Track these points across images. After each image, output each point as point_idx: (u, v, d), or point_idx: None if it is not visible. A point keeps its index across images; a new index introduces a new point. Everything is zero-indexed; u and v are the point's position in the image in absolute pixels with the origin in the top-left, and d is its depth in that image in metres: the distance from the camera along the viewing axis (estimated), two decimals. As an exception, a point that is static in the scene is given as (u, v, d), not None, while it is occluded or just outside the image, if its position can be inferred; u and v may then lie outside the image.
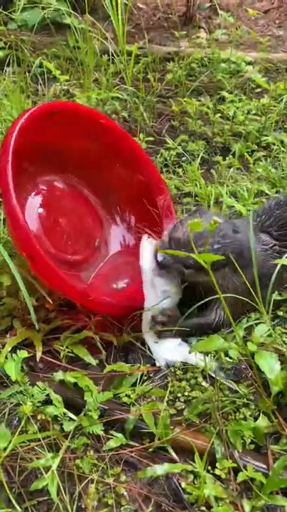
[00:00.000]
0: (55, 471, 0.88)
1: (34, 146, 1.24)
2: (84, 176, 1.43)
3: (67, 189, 1.41)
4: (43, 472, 0.88)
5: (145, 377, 1.09)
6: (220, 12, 2.52)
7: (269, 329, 0.95)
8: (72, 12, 2.32)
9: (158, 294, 1.12)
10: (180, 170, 1.74)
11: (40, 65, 2.16)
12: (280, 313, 1.23)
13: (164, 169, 1.76)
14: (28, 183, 1.31)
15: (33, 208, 1.29)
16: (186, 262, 1.04)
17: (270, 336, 1.03)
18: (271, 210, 1.27)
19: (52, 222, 1.31)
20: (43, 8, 2.28)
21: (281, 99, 2.01)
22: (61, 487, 0.88)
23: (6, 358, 1.02)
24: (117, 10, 2.09)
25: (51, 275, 1.06)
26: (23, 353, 0.98)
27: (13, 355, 0.99)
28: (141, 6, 3.17)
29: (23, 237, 1.04)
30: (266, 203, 1.37)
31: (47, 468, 0.89)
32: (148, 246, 1.13)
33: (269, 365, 0.88)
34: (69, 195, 1.40)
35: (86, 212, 1.42)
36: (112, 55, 2.18)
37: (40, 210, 1.30)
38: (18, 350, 1.03)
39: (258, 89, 2.23)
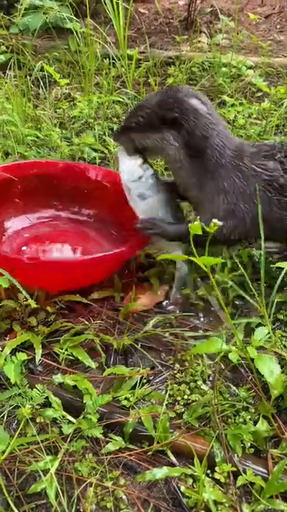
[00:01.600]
0: (54, 474, 0.88)
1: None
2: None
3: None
4: (42, 475, 0.88)
5: (144, 381, 1.09)
6: (221, 17, 2.53)
7: (269, 332, 0.95)
8: (74, 17, 2.34)
9: (134, 197, 1.22)
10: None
11: (41, 69, 2.17)
12: (281, 316, 1.23)
13: (165, 172, 1.76)
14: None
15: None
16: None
17: (270, 339, 1.03)
18: None
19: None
20: (45, 13, 2.28)
21: (282, 104, 2.01)
22: (59, 490, 0.88)
23: (6, 360, 1.01)
24: (119, 15, 2.11)
25: None
26: (23, 356, 0.98)
27: (13, 357, 0.99)
28: (142, 10, 3.18)
29: None
30: None
31: (46, 471, 0.89)
32: (123, 157, 1.23)
33: (269, 368, 0.87)
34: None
35: None
36: (113, 59, 2.19)
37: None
38: (17, 353, 1.02)
39: (259, 94, 2.24)
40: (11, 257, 1.11)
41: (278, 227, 1.22)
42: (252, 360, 0.94)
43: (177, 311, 1.28)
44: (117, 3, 2.09)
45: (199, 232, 0.82)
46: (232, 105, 2.07)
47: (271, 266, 1.30)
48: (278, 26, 3.20)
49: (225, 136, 1.19)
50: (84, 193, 1.48)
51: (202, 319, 1.26)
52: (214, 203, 1.18)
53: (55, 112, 2.05)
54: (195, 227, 0.82)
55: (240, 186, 1.18)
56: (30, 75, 2.14)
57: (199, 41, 2.75)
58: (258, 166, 1.20)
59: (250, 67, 2.39)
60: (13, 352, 1.10)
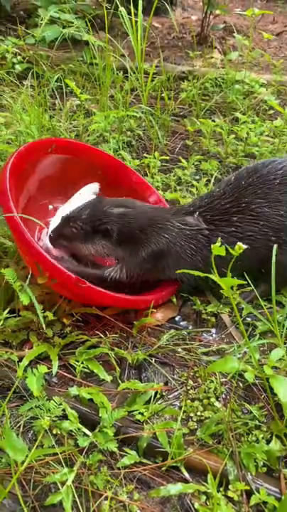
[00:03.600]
0: (71, 486, 0.89)
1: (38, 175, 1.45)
2: None
3: None
4: (59, 487, 0.89)
5: (158, 396, 1.10)
6: (236, 36, 2.57)
7: (284, 355, 0.97)
8: (90, 30, 2.38)
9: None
10: (194, 189, 1.77)
11: (57, 80, 2.20)
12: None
13: (178, 187, 1.79)
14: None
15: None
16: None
17: (283, 358, 1.05)
18: (213, 195, 1.34)
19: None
20: (64, 26, 2.32)
21: (294, 122, 2.04)
22: (75, 502, 0.89)
23: (25, 371, 1.03)
24: (136, 29, 2.14)
25: (46, 263, 1.13)
26: (43, 368, 1.00)
27: (34, 370, 1.00)
28: (156, 24, 3.23)
29: (23, 240, 1.13)
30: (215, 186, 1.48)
31: (62, 483, 0.90)
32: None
33: (285, 389, 0.89)
34: None
35: None
36: (127, 73, 2.22)
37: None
38: (37, 365, 1.04)
39: (271, 111, 2.27)
40: (63, 273, 1.14)
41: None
42: (266, 379, 0.96)
43: (190, 327, 1.30)
44: (135, 19, 2.12)
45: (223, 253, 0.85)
46: (244, 122, 2.10)
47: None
48: (289, 44, 3.25)
49: (147, 214, 1.33)
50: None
51: (214, 335, 1.28)
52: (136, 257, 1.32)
53: (71, 123, 2.08)
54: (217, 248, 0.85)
55: (168, 242, 1.31)
56: (47, 86, 2.18)
57: (212, 57, 2.79)
58: (180, 222, 1.32)
59: (262, 85, 2.43)
60: (30, 363, 1.12)
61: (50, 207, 1.52)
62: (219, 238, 0.92)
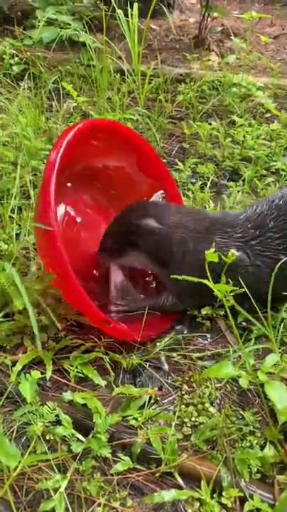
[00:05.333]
0: (63, 493, 0.89)
1: (73, 163, 1.31)
2: (112, 197, 1.50)
3: (93, 205, 1.49)
4: (52, 493, 0.89)
5: (152, 401, 1.10)
6: (233, 39, 2.57)
7: (278, 361, 0.97)
8: (87, 31, 2.38)
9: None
10: (189, 193, 1.77)
11: (54, 81, 2.20)
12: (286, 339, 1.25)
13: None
14: (61, 197, 1.37)
15: (60, 221, 1.35)
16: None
17: (278, 364, 1.05)
18: (265, 224, 1.26)
19: (75, 237, 1.38)
20: (61, 28, 2.32)
21: (291, 126, 2.05)
22: (68, 509, 0.89)
23: (19, 376, 1.02)
24: (133, 31, 2.14)
25: (78, 299, 1.10)
26: (37, 374, 0.99)
27: (27, 375, 1.00)
28: (153, 26, 3.23)
29: (58, 258, 1.07)
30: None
31: (55, 490, 0.90)
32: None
33: (279, 395, 0.89)
34: (94, 212, 1.48)
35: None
36: (124, 75, 2.22)
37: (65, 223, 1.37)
38: (31, 370, 1.03)
39: (268, 114, 2.28)
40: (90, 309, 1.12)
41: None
42: (261, 385, 0.95)
43: (185, 331, 1.29)
44: (133, 21, 2.12)
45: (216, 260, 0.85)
46: (241, 125, 2.10)
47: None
48: (286, 47, 3.25)
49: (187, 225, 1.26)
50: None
51: (209, 340, 1.28)
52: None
53: (68, 125, 2.07)
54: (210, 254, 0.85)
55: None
56: (43, 87, 2.17)
57: (209, 59, 2.79)
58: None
59: (259, 88, 2.43)
60: (23, 367, 1.12)
61: (69, 184, 1.44)
62: None
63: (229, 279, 1.00)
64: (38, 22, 2.18)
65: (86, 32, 2.42)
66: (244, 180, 1.81)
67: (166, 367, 1.19)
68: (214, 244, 1.16)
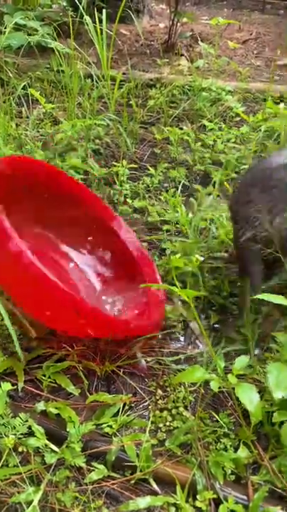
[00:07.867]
0: (37, 507, 0.87)
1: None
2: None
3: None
4: (25, 507, 0.87)
5: (127, 407, 1.09)
6: (201, 44, 2.61)
7: (249, 361, 0.98)
8: (56, 37, 2.37)
9: None
10: (162, 197, 1.78)
11: (23, 87, 2.18)
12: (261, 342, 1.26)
13: (147, 195, 1.79)
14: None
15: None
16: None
17: (250, 366, 1.06)
18: None
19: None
20: (29, 34, 2.30)
21: (260, 129, 2.08)
22: (42, 522, 0.88)
23: (-12, 388, 1.01)
24: (101, 37, 2.15)
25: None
26: (7, 386, 0.97)
27: (-4, 387, 0.98)
28: (123, 31, 3.24)
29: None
30: None
31: (29, 503, 0.88)
32: None
33: (249, 397, 0.90)
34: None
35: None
36: (95, 81, 2.22)
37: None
38: (1, 382, 1.02)
39: (237, 118, 2.31)
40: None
41: None
42: (232, 388, 0.96)
43: (159, 336, 1.29)
44: (101, 27, 2.12)
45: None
46: (211, 129, 2.12)
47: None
48: (255, 52, 3.31)
49: None
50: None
51: (182, 342, 1.28)
52: None
53: (38, 131, 2.06)
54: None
55: None
56: (13, 94, 2.15)
57: (179, 64, 2.82)
58: None
59: (229, 92, 2.46)
60: (-6, 379, 1.10)
61: None
62: None
63: None
64: (5, 28, 2.15)
65: (55, 38, 2.41)
66: (213, 183, 1.82)
67: (143, 363, 1.18)
68: None
